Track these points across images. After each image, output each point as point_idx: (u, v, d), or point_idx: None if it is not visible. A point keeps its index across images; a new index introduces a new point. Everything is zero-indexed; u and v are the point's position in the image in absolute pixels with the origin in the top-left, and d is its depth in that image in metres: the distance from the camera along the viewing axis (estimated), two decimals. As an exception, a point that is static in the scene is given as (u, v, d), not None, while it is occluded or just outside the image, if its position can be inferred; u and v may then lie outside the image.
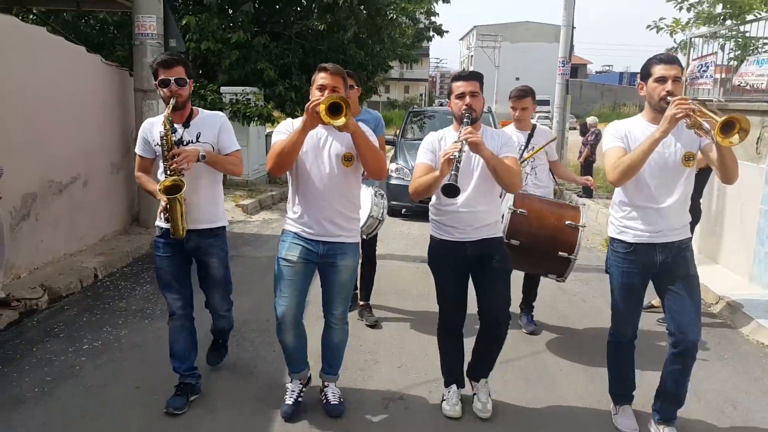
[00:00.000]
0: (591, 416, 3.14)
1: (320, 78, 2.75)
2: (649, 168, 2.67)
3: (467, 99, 2.81)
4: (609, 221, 2.93)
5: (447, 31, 14.31)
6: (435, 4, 13.85)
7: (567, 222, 3.70)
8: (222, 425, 2.96)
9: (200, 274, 3.16)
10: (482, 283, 2.99)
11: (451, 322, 3.08)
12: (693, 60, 6.73)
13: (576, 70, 53.48)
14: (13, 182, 4.47)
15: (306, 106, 2.58)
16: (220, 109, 9.87)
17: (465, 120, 2.76)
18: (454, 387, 3.12)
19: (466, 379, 3.22)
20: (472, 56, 51.52)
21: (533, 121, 4.29)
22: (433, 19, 14.22)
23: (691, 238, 2.87)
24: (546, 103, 38.00)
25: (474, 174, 2.87)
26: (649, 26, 7.14)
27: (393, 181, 8.37)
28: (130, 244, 5.99)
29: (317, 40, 10.88)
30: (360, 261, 3.42)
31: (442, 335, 3.14)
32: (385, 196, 4.18)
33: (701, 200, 4.84)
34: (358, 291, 4.40)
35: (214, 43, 9.60)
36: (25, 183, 4.79)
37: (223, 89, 9.79)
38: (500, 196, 3.47)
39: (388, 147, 8.98)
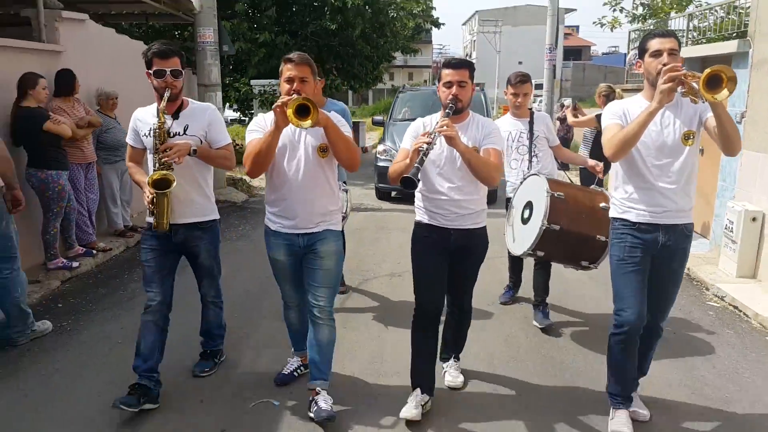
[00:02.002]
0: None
1: (287, 70, 2.73)
2: (647, 149, 2.64)
3: (454, 89, 2.79)
4: (611, 203, 2.90)
5: (443, 24, 16.39)
6: (431, 1, 15.92)
7: (601, 204, 3.61)
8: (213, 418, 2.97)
9: (190, 263, 3.26)
10: (458, 274, 3.04)
11: (428, 309, 2.97)
12: (631, 50, 8.84)
13: (579, 52, 55.02)
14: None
15: (273, 106, 2.60)
16: (252, 99, 12.10)
17: (447, 111, 2.77)
18: (418, 390, 2.99)
19: (440, 371, 3.23)
20: (474, 41, 53.35)
21: (529, 107, 4.22)
22: (430, 12, 16.31)
23: (693, 224, 2.81)
24: (542, 86, 39.68)
25: (458, 160, 2.83)
26: (594, 22, 9.19)
27: (381, 163, 8.49)
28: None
29: (330, 37, 12.98)
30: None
31: (417, 326, 3.02)
32: (348, 191, 4.26)
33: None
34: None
35: (245, 43, 11.74)
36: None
37: (252, 82, 11.95)
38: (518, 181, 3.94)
39: (378, 128, 10.26)
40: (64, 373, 3.44)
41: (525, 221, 3.76)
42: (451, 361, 3.37)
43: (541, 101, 26.50)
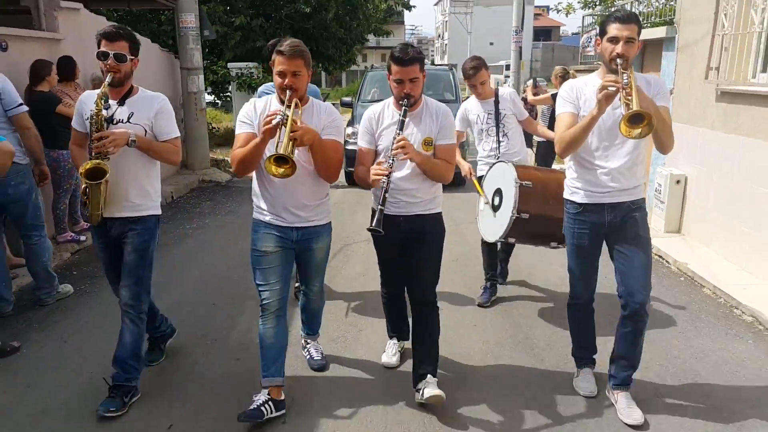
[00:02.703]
0: (559, 378, 3.28)
1: (278, 63, 2.67)
2: (598, 129, 2.72)
3: (406, 86, 2.80)
4: (565, 182, 2.99)
5: (414, 6, 17.02)
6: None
7: None
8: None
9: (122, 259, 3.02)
10: (411, 261, 3.03)
11: (391, 289, 3.34)
12: (584, 34, 9.65)
13: (549, 32, 55.90)
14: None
15: (264, 127, 2.55)
16: (229, 82, 12.60)
17: (404, 107, 2.82)
18: (394, 339, 3.49)
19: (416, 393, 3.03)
20: (446, 22, 53.89)
21: (493, 86, 4.28)
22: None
23: (644, 199, 2.90)
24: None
25: None
26: (551, 8, 9.96)
27: (350, 147, 8.06)
28: (185, 179, 8.82)
29: (304, 20, 13.53)
30: None
31: (386, 300, 3.41)
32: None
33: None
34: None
35: (221, 27, 12.23)
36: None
37: (230, 65, 12.45)
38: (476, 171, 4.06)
39: (347, 109, 9.93)
40: (93, 322, 4.06)
41: (495, 209, 3.92)
42: (429, 378, 2.97)
43: (507, 82, 27.33)
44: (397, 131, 2.81)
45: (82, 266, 5.23)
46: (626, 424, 2.85)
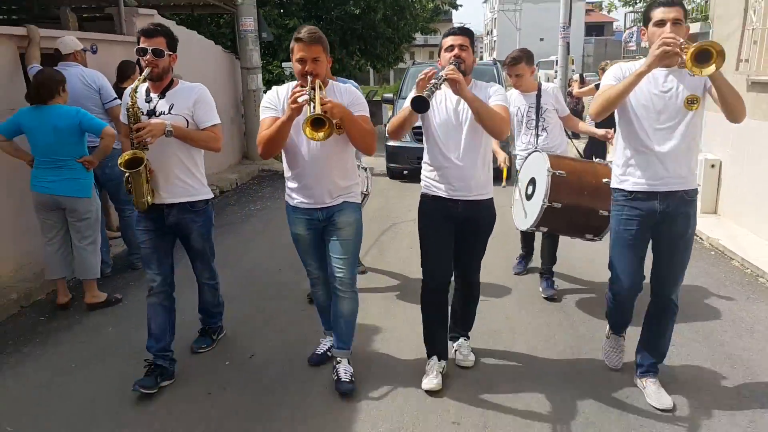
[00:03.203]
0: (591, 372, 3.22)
1: (298, 50, 2.69)
2: (648, 112, 2.64)
3: (455, 50, 2.82)
4: (612, 173, 2.91)
5: (461, 5, 17.41)
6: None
7: (604, 180, 3.62)
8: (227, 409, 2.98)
9: (183, 244, 3.30)
10: (464, 246, 3.07)
11: (436, 281, 3.03)
12: (626, 30, 9.88)
13: (602, 27, 55.00)
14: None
15: (288, 101, 2.60)
16: (283, 81, 13.36)
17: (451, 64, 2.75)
18: (435, 358, 3.10)
19: (450, 348, 3.27)
20: (495, 19, 53.77)
21: (544, 81, 4.47)
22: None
23: (697, 190, 2.79)
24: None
25: (463, 128, 2.87)
26: (594, 4, 10.20)
27: (390, 143, 8.51)
28: (246, 168, 9.58)
29: (353, 21, 14.14)
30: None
31: (426, 298, 3.10)
32: (367, 169, 4.29)
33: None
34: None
35: (276, 29, 12.97)
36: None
37: (284, 65, 13.19)
38: (507, 156, 4.05)
39: (388, 106, 10.10)
40: (177, 280, 4.76)
41: (529, 197, 3.94)
42: (461, 340, 3.35)
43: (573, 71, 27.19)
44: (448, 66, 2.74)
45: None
46: (656, 408, 2.86)
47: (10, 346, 3.68)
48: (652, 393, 2.91)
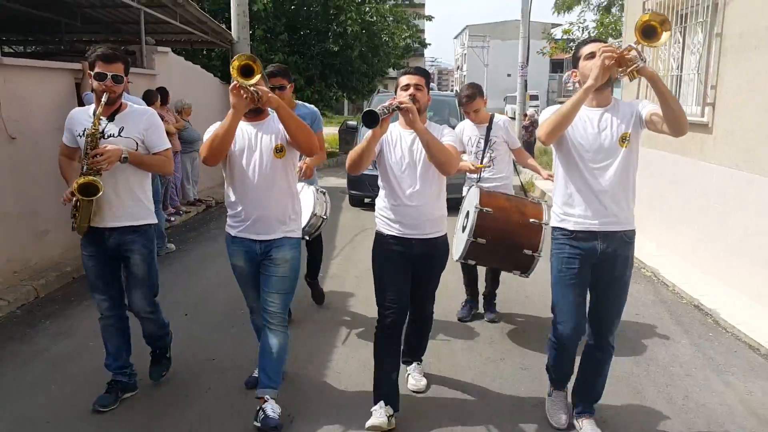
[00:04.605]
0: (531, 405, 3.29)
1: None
2: (586, 151, 2.71)
3: (411, 89, 2.91)
4: (551, 211, 2.93)
5: (429, 44, 19.34)
6: (419, 23, 18.89)
7: (531, 220, 3.80)
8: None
9: (124, 270, 3.19)
10: (420, 282, 3.14)
11: (391, 320, 3.00)
12: (566, 73, 11.61)
13: (562, 64, 58.19)
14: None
15: (230, 88, 2.69)
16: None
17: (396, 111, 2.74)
18: (381, 402, 3.00)
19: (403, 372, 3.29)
20: (465, 54, 56.56)
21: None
22: (419, 34, 19.25)
23: (635, 231, 2.83)
24: (536, 98, 42.50)
25: (418, 166, 2.95)
26: (538, 52, 12.00)
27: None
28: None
29: (332, 57, 15.79)
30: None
31: (379, 337, 3.04)
32: (326, 193, 4.22)
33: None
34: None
35: (263, 63, 14.51)
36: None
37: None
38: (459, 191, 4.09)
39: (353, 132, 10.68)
40: (192, 268, 6.15)
41: (463, 229, 4.07)
42: (414, 365, 3.49)
43: (538, 108, 29.11)
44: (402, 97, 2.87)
45: (175, 236, 7.35)
46: None
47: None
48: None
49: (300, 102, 4.31)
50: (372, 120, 2.61)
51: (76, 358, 3.94)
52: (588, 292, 2.91)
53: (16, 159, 5.39)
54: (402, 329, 3.13)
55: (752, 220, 4.93)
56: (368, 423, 2.96)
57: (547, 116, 2.74)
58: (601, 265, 2.82)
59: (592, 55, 2.65)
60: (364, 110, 2.64)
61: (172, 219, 7.83)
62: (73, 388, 3.52)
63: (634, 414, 3.29)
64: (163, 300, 3.50)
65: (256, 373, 3.33)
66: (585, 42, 2.79)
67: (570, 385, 3.18)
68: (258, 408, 2.99)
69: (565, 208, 2.85)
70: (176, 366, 3.69)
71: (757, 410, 3.37)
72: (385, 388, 3.06)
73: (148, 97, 7.35)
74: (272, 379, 3.04)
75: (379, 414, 2.97)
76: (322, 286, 5.00)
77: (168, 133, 7.15)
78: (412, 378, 3.45)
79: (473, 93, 4.33)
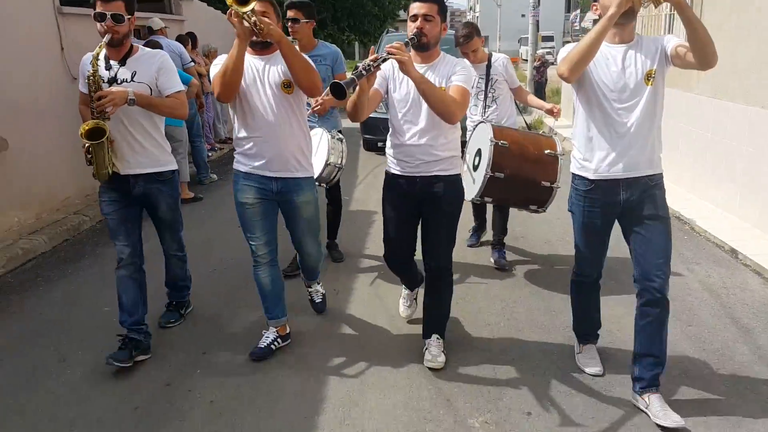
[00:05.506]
0: (555, 350, 3.23)
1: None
2: (609, 90, 2.56)
3: (418, 21, 2.70)
4: (571, 155, 2.79)
5: (443, -16, 19.40)
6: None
7: (546, 151, 3.77)
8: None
9: (150, 216, 3.27)
10: (428, 226, 2.98)
11: (395, 259, 3.13)
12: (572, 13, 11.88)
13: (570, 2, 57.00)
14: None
15: (227, 17, 2.64)
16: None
17: (406, 42, 2.63)
18: (407, 291, 3.49)
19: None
20: (477, -6, 55.43)
21: (487, 51, 4.38)
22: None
23: (662, 174, 2.67)
24: (551, 39, 41.82)
25: (423, 104, 2.75)
26: None
27: (373, 114, 7.98)
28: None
29: (344, 0, 16.14)
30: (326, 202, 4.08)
31: (393, 268, 3.27)
32: (344, 140, 4.06)
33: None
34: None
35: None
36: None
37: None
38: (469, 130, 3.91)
39: None
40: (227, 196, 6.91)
41: (475, 168, 4.00)
42: (433, 338, 3.13)
43: (549, 53, 28.19)
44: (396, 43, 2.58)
45: (214, 169, 8.05)
46: (665, 427, 2.54)
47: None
48: (659, 411, 2.59)
49: (322, 42, 4.21)
50: (339, 92, 2.43)
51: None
52: (627, 243, 2.76)
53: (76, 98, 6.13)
54: (408, 260, 3.24)
55: (725, 144, 5.63)
56: (401, 312, 3.56)
57: (567, 53, 2.57)
58: (628, 212, 2.68)
59: None
60: (332, 83, 2.44)
61: (210, 154, 8.62)
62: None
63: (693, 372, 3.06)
64: (211, 218, 4.13)
65: (261, 343, 3.21)
66: None
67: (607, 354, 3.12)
68: (307, 293, 3.70)
69: (585, 153, 2.70)
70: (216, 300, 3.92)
71: (711, 286, 4.15)
72: (406, 279, 3.44)
73: (182, 41, 8.00)
74: (313, 278, 3.60)
75: (407, 301, 3.55)
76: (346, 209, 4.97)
77: (200, 75, 7.85)
78: (428, 353, 3.10)
79: (470, 32, 4.23)
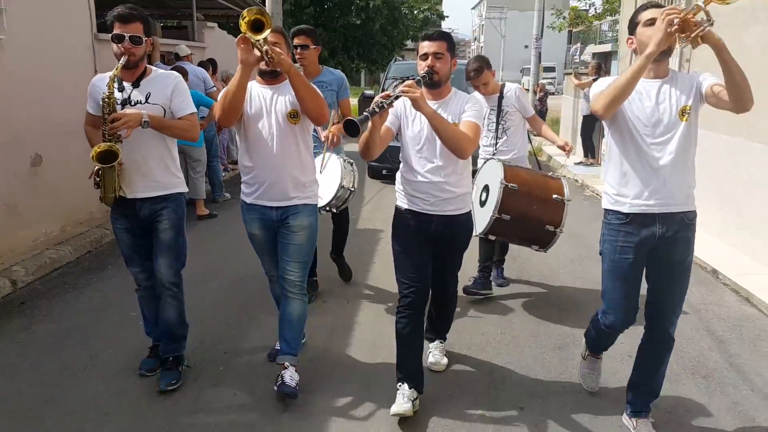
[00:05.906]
0: (547, 356, 3.39)
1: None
2: (643, 126, 2.52)
3: (429, 60, 2.75)
4: (603, 191, 2.76)
5: (447, 16, 20.14)
6: (437, -3, 19.75)
7: (554, 196, 3.81)
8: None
9: (153, 238, 3.08)
10: (441, 260, 3.03)
11: (410, 300, 2.89)
12: (572, 47, 12.42)
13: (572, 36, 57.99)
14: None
15: (236, 43, 2.61)
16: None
17: (418, 80, 2.66)
18: (405, 385, 2.87)
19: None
20: (482, 25, 56.62)
21: (500, 83, 4.34)
22: (437, 7, 20.09)
23: (696, 212, 2.62)
24: (552, 69, 42.60)
25: (437, 141, 2.75)
26: (548, 26, 12.66)
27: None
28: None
29: (354, 30, 16.76)
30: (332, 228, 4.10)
31: (401, 315, 2.90)
32: (354, 164, 4.10)
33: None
34: (317, 278, 4.45)
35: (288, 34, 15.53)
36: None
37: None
38: (476, 167, 3.75)
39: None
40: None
41: (482, 204, 4.01)
42: (437, 342, 3.36)
43: (550, 84, 28.73)
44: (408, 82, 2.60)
45: (227, 188, 8.35)
46: None
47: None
48: None
49: (327, 68, 4.22)
50: (353, 129, 2.43)
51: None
52: (645, 280, 2.71)
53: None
54: (424, 308, 2.98)
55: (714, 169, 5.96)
56: (392, 410, 2.82)
57: (601, 87, 2.54)
58: (659, 250, 2.62)
59: (651, 22, 2.44)
60: (346, 119, 2.46)
61: (223, 174, 8.97)
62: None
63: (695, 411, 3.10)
64: (226, 233, 4.37)
65: (278, 346, 3.29)
66: (644, 7, 2.55)
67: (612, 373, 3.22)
68: (278, 374, 3.01)
69: (619, 188, 2.62)
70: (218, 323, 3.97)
71: (691, 304, 4.37)
72: (408, 368, 2.93)
73: (204, 67, 8.45)
74: (291, 346, 3.06)
75: (402, 400, 2.83)
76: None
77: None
78: (432, 356, 3.30)
79: (480, 66, 4.20)
